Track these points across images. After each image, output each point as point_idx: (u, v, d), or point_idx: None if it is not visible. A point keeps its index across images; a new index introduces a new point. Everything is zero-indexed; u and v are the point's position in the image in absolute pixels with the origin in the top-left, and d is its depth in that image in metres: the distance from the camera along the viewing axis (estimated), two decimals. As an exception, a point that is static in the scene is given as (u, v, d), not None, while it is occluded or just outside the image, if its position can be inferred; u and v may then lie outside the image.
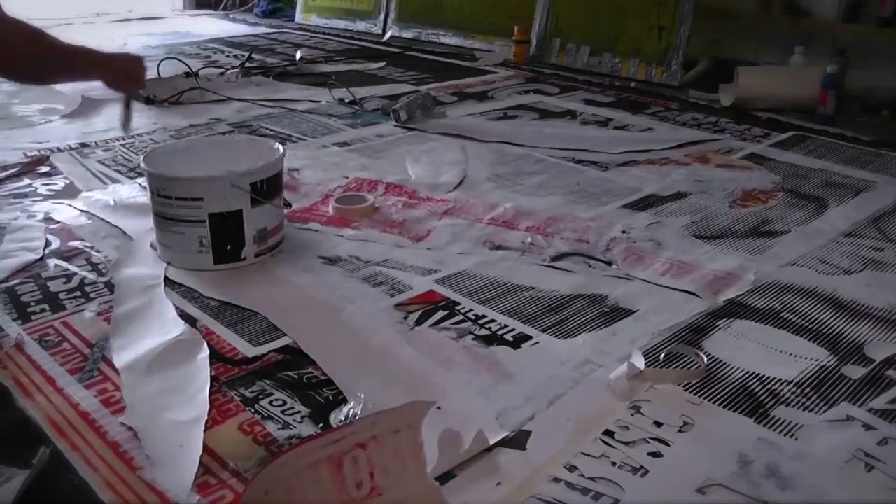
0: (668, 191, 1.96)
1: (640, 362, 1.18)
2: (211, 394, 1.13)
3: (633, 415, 1.10)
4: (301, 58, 3.51)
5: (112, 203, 1.84)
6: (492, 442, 1.02)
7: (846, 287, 1.48)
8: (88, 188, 1.95)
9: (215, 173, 1.47)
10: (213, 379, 1.17)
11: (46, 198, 1.88)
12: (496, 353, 1.25)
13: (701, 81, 3.08)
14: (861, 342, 1.30)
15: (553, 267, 1.55)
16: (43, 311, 1.37)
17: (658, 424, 1.08)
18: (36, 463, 0.98)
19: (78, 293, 1.43)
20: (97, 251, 1.60)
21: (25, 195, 1.90)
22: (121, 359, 1.21)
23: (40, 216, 1.76)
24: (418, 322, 1.35)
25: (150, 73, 2.93)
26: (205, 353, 1.22)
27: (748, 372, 1.21)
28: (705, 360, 1.22)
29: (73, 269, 1.52)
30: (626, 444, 1.04)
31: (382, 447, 0.85)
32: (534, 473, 0.98)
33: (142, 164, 1.52)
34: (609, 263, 1.57)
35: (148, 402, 1.12)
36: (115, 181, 2.01)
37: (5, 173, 2.03)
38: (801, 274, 1.54)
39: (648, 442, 1.04)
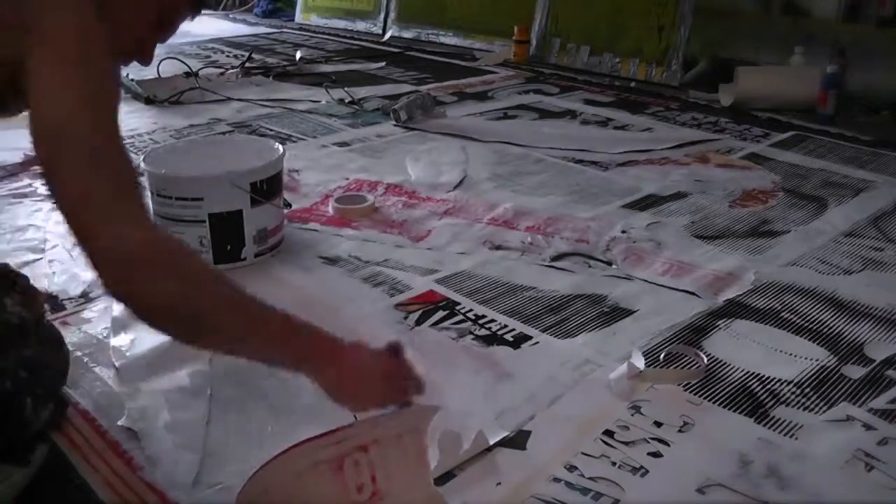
0: (668, 191, 1.96)
1: (640, 362, 1.18)
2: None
3: (633, 415, 1.10)
4: (301, 58, 3.51)
5: (112, 203, 1.84)
6: (492, 442, 1.02)
7: (846, 287, 1.48)
8: (88, 188, 1.95)
9: (215, 173, 1.48)
10: (213, 379, 1.16)
11: (46, 198, 1.88)
12: (496, 353, 1.25)
13: (701, 81, 3.08)
14: (861, 342, 1.30)
15: (553, 267, 1.55)
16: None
17: (658, 424, 1.08)
18: (35, 462, 0.97)
19: (78, 293, 1.43)
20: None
21: (25, 195, 1.90)
22: (121, 359, 1.21)
23: (40, 216, 1.76)
24: (418, 322, 1.35)
25: (150, 73, 2.98)
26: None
27: (748, 372, 1.20)
28: (705, 360, 1.22)
29: (73, 268, 1.52)
30: (626, 444, 1.04)
31: (385, 451, 0.84)
32: (534, 473, 0.98)
33: (142, 164, 1.52)
34: (609, 263, 1.57)
35: (148, 402, 1.12)
36: (115, 181, 2.00)
37: (5, 173, 2.03)
38: (801, 274, 1.53)
39: (648, 442, 1.04)
